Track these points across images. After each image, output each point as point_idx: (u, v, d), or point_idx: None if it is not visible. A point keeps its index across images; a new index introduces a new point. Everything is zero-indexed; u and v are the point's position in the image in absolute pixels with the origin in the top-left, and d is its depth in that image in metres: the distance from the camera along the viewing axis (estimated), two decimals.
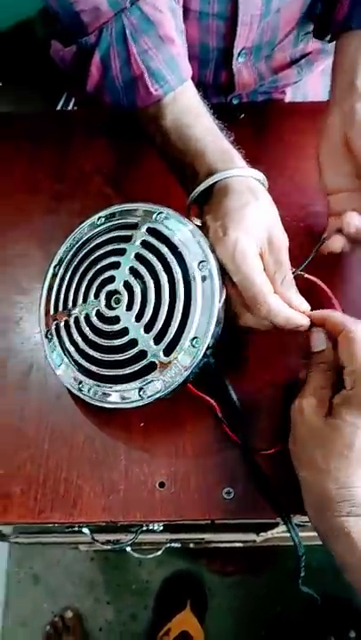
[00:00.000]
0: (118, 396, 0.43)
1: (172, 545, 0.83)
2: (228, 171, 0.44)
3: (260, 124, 0.66)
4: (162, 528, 0.60)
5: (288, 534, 0.43)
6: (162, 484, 0.45)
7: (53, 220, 0.59)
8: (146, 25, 0.46)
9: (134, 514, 0.44)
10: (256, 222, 0.42)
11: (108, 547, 0.64)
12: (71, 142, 0.65)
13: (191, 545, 0.96)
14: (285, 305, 0.42)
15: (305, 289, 0.45)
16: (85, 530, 0.58)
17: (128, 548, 0.81)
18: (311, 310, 0.44)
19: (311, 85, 0.75)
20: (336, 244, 0.48)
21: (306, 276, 0.47)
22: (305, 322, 0.42)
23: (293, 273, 0.45)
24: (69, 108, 0.92)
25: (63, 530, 0.61)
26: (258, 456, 0.45)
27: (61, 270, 0.47)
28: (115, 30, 0.46)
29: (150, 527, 0.59)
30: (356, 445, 0.37)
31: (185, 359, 0.41)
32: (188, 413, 0.47)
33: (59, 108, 0.91)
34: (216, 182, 0.44)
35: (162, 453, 0.46)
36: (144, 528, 0.59)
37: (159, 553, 0.84)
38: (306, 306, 0.43)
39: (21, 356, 0.51)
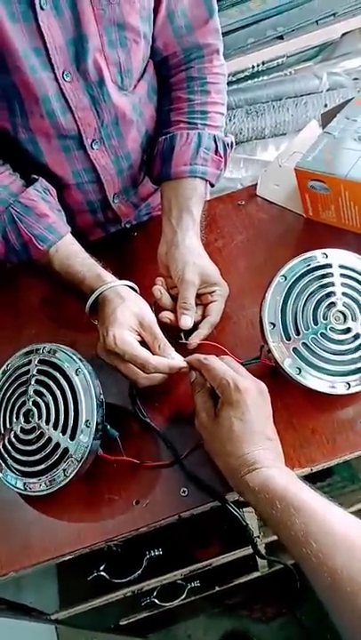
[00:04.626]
0: (47, 482, 0.60)
1: (192, 585, 0.95)
2: (100, 288, 0.68)
3: (148, 237, 0.90)
4: (161, 553, 0.75)
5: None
6: (137, 502, 0.63)
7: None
8: (25, 210, 0.70)
9: (125, 528, 0.61)
10: (125, 316, 0.64)
11: (130, 587, 0.78)
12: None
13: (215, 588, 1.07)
14: (166, 360, 0.63)
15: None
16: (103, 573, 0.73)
17: (156, 600, 0.94)
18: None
19: None
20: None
21: (188, 343, 0.71)
22: (183, 364, 0.64)
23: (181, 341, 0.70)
24: None
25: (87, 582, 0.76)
26: (187, 460, 0.64)
27: None
28: (6, 217, 0.70)
29: (153, 554, 0.74)
30: (233, 429, 0.56)
31: (85, 438, 0.59)
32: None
33: None
34: (97, 297, 0.67)
35: (131, 483, 0.64)
36: (147, 556, 0.74)
37: (184, 596, 0.96)
38: (180, 357, 0.65)
39: None
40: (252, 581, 1.11)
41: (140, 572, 0.74)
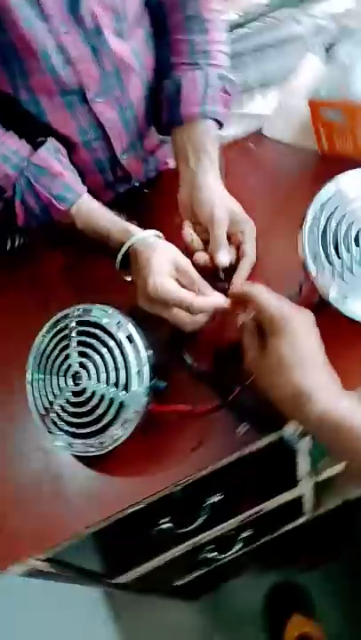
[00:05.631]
0: (112, 439, 0.60)
1: (245, 535, 0.96)
2: (129, 240, 0.67)
3: (159, 191, 0.89)
4: (217, 499, 0.75)
5: None
6: (193, 448, 0.63)
7: None
8: (40, 171, 0.69)
9: (186, 472, 0.62)
10: (162, 264, 0.63)
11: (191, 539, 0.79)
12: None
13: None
14: (210, 298, 0.63)
15: None
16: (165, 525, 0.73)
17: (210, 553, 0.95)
18: None
19: None
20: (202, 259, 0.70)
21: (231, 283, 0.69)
22: (225, 303, 0.63)
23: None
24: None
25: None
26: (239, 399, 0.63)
27: (37, 378, 0.65)
28: (22, 182, 0.69)
29: (211, 501, 0.75)
30: (284, 357, 0.54)
31: (139, 388, 0.60)
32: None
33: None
34: (126, 251, 0.66)
35: (185, 431, 0.65)
36: (207, 502, 0.74)
37: (238, 547, 0.97)
38: (221, 295, 0.64)
39: None
40: (299, 528, 1.13)
41: (204, 518, 0.74)
